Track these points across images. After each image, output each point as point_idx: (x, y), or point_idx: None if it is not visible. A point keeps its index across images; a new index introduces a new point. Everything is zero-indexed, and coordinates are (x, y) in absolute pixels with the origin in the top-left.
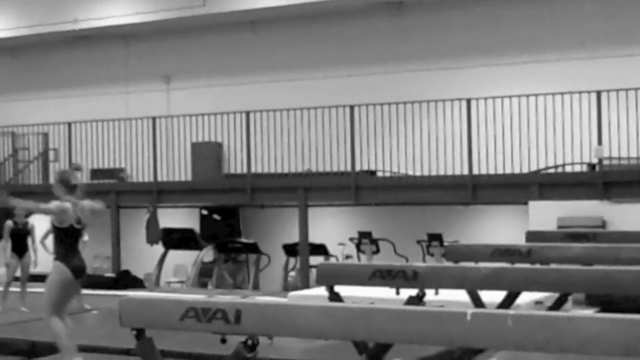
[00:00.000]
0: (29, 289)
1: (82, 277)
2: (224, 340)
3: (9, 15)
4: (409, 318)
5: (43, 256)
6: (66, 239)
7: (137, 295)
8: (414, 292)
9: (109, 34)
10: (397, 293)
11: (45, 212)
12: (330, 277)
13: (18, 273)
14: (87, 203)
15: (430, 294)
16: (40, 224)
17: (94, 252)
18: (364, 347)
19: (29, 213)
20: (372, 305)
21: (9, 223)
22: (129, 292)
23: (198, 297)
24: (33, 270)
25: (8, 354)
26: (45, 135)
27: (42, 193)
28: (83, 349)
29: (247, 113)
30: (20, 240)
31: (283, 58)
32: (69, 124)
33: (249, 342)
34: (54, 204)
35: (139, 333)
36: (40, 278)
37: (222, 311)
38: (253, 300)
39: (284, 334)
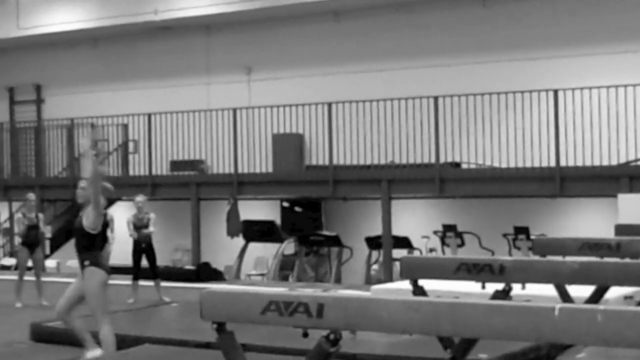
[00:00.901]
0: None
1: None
2: (306, 335)
3: (90, 6)
4: (496, 313)
5: (119, 248)
6: (98, 242)
7: (218, 288)
8: (499, 286)
9: (190, 25)
10: (483, 287)
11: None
12: (415, 271)
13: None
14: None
15: (516, 289)
16: (121, 216)
17: (173, 245)
18: (449, 342)
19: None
20: (458, 300)
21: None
22: (209, 284)
23: (280, 290)
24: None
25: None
26: (125, 126)
27: (122, 185)
28: (162, 342)
29: (329, 104)
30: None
31: (366, 48)
32: (149, 115)
33: (332, 336)
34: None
35: (220, 327)
36: (118, 270)
37: (304, 305)
38: (336, 294)
39: (367, 329)
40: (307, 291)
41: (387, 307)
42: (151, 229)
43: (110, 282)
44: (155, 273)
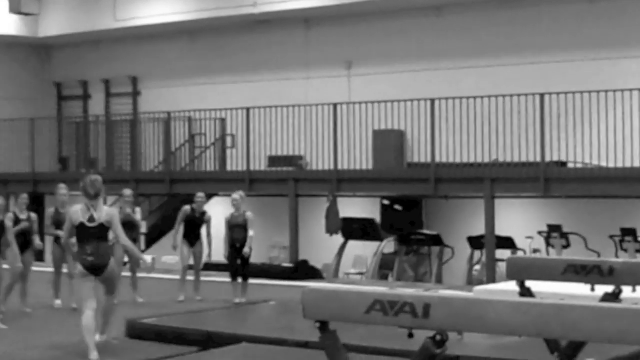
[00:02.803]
0: (203, 278)
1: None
2: (411, 335)
3: None
4: (607, 316)
5: (217, 246)
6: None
7: (321, 286)
8: (609, 289)
9: (289, 18)
10: (592, 289)
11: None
12: (521, 272)
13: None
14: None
15: (626, 291)
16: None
17: (270, 242)
18: (556, 345)
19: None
20: (568, 302)
21: (187, 209)
22: (307, 283)
23: (384, 289)
24: (208, 260)
25: (184, 344)
26: (223, 120)
27: (218, 180)
28: (260, 341)
29: (432, 100)
30: (193, 229)
31: (469, 44)
32: (247, 110)
33: (438, 337)
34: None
35: (323, 326)
36: (216, 267)
37: (410, 305)
38: (442, 294)
39: (475, 330)
40: (413, 291)
41: (496, 309)
42: (250, 233)
43: (210, 279)
44: (245, 274)
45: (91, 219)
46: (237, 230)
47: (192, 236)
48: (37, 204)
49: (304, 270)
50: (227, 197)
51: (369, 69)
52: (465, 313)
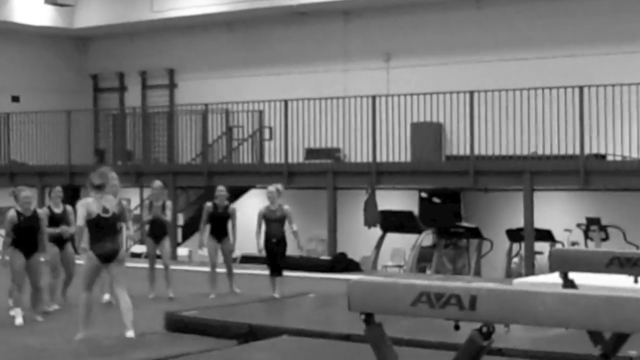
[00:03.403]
0: (240, 271)
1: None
2: (457, 327)
3: None
4: None
5: (247, 238)
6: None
7: (367, 278)
8: None
9: (327, 10)
10: (636, 281)
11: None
12: (564, 264)
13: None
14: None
15: None
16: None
17: (308, 234)
18: (599, 338)
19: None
20: (616, 294)
21: (209, 205)
22: (345, 275)
23: (430, 281)
24: (238, 253)
25: (224, 337)
26: (260, 112)
27: (256, 172)
28: (300, 333)
29: (471, 93)
30: (219, 225)
31: (509, 36)
32: (285, 102)
33: (484, 329)
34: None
35: (368, 318)
36: (251, 260)
37: (456, 297)
38: (489, 286)
39: (522, 322)
40: (459, 283)
41: (543, 300)
42: (294, 227)
43: (247, 272)
44: (280, 269)
45: (105, 210)
46: (274, 225)
47: (219, 233)
48: (73, 196)
49: (341, 263)
50: (264, 189)
51: (407, 61)
52: (513, 305)
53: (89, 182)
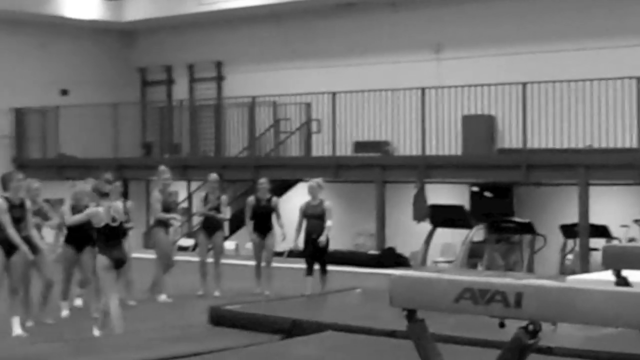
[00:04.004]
0: (288, 265)
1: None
2: (502, 325)
3: None
4: None
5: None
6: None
7: (409, 274)
8: None
9: (376, 2)
10: None
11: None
12: (618, 261)
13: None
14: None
15: None
16: (292, 204)
17: (356, 229)
18: None
19: (277, 190)
20: None
21: (251, 200)
22: (393, 270)
23: (474, 277)
24: (285, 247)
25: (268, 331)
26: (308, 105)
27: (303, 166)
28: (345, 329)
29: (524, 84)
30: (263, 219)
31: (562, 26)
32: (333, 94)
33: (530, 327)
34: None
35: (411, 314)
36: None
37: (501, 293)
38: (535, 283)
39: (569, 320)
40: (504, 279)
41: (591, 298)
42: (329, 223)
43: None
44: (323, 267)
45: (113, 219)
46: (313, 221)
47: (263, 227)
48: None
49: (390, 258)
50: None
51: (458, 53)
52: (559, 302)
53: (97, 190)
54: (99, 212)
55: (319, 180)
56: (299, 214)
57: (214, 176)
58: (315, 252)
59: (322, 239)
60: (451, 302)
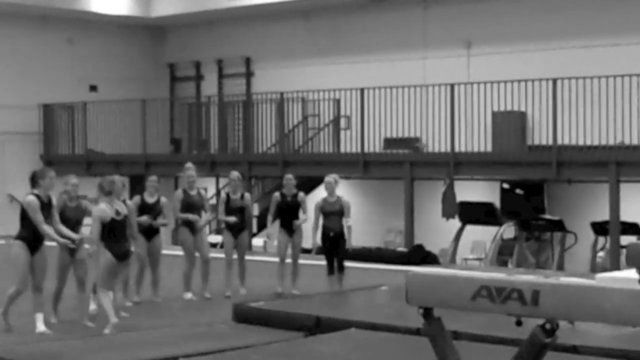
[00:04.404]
0: (315, 262)
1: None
2: (519, 323)
3: None
4: None
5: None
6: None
7: (425, 271)
8: None
9: None
10: None
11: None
12: None
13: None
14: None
15: None
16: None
17: (386, 226)
18: None
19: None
20: None
21: (276, 196)
22: (422, 268)
23: (492, 275)
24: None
25: (292, 328)
26: (337, 101)
27: (332, 162)
28: (369, 327)
29: (554, 80)
30: (289, 215)
31: (593, 22)
32: (361, 90)
33: (547, 325)
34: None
35: (427, 312)
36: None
37: (518, 291)
38: (552, 281)
39: (587, 319)
40: (522, 277)
41: (610, 297)
42: (349, 222)
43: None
44: (341, 265)
45: (117, 213)
46: (331, 218)
47: (289, 224)
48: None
49: (419, 255)
50: (343, 178)
51: (489, 48)
52: (577, 300)
53: (100, 188)
54: (104, 210)
55: (335, 176)
56: (315, 211)
57: (235, 174)
58: (332, 250)
59: (347, 242)
60: (468, 300)
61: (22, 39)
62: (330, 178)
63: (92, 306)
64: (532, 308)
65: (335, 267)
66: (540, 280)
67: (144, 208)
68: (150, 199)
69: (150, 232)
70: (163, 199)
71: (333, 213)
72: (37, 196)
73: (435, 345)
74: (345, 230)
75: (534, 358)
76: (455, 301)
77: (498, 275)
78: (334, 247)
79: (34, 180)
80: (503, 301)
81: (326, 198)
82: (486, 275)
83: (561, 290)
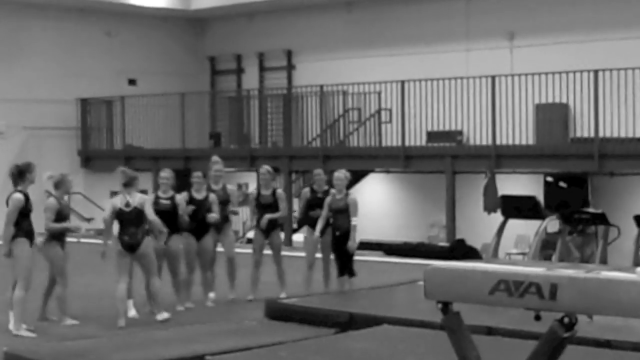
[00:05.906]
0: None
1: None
2: (538, 317)
3: None
4: None
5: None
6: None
7: (444, 265)
8: None
9: None
10: None
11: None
12: None
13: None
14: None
15: None
16: (363, 196)
17: (428, 220)
18: None
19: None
20: None
21: (306, 191)
22: (464, 263)
23: (510, 268)
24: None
25: (324, 325)
26: (379, 94)
27: (373, 156)
28: (401, 322)
29: (596, 72)
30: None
31: (636, 13)
32: (402, 83)
33: (566, 320)
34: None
35: (445, 307)
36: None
37: (536, 285)
38: (571, 274)
39: (605, 313)
40: (540, 270)
41: (629, 290)
42: (354, 222)
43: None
44: (345, 268)
45: (127, 205)
46: (339, 216)
47: (315, 222)
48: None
49: (460, 250)
50: (384, 172)
51: (532, 40)
52: (595, 294)
53: (120, 180)
54: (114, 201)
55: (345, 171)
56: (325, 208)
57: (265, 168)
58: (338, 251)
59: (352, 244)
60: (486, 294)
61: (60, 32)
62: (340, 174)
63: (132, 312)
64: (550, 302)
65: (342, 269)
66: (559, 273)
67: (192, 204)
68: (198, 195)
69: (198, 231)
70: (212, 196)
71: (339, 211)
72: (21, 192)
73: (454, 340)
74: (352, 231)
75: (552, 353)
76: (473, 295)
77: (516, 269)
78: (340, 247)
79: (22, 175)
80: (521, 295)
81: (335, 194)
82: (504, 269)
83: (579, 283)
